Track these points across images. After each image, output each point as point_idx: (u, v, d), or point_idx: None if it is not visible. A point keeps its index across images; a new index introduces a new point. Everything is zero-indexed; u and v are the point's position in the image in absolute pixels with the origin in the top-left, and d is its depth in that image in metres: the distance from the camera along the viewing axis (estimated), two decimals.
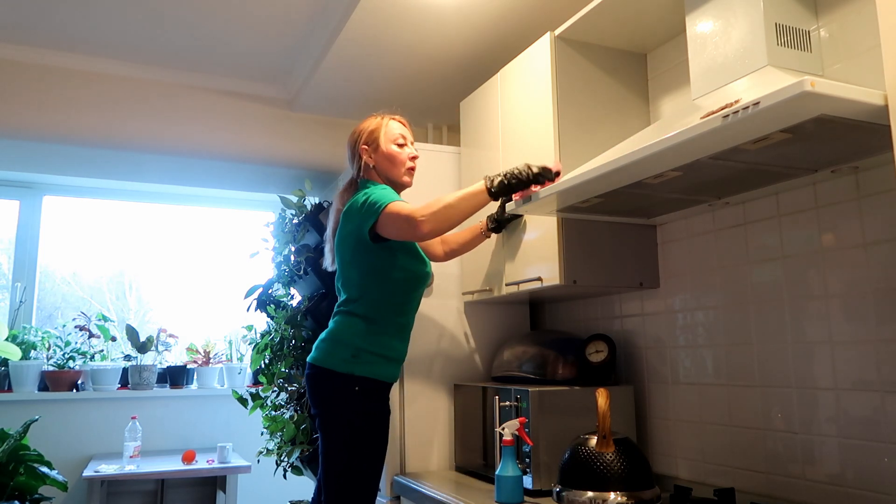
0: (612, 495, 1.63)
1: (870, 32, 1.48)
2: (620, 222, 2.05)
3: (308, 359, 1.88)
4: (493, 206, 2.22)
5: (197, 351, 3.63)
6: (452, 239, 2.21)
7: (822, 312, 1.60)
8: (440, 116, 3.41)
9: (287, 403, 3.04)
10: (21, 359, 3.18)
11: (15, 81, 3.03)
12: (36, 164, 3.24)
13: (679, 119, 1.47)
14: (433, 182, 2.51)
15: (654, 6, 1.91)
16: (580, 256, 1.98)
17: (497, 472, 1.84)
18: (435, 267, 2.37)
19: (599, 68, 2.11)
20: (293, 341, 3.02)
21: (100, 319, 3.49)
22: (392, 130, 1.99)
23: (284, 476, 3.02)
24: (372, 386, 1.81)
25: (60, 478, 2.82)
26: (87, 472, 2.83)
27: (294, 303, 3.25)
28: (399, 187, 1.99)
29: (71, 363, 3.33)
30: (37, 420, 2.92)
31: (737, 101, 1.25)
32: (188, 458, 3.06)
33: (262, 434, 3.21)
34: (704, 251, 1.94)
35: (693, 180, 1.58)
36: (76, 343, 3.40)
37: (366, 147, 1.98)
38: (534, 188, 1.80)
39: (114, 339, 3.51)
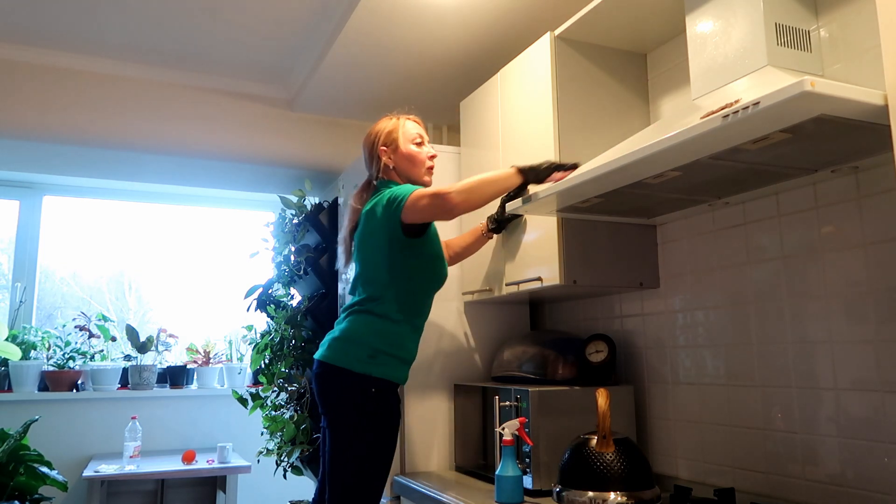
0: (612, 495, 1.63)
1: (870, 32, 1.48)
2: (620, 222, 2.05)
3: (318, 356, 1.85)
4: (492, 207, 2.23)
5: (197, 351, 3.63)
6: (455, 243, 2.21)
7: (822, 312, 1.60)
8: (440, 116, 3.41)
9: (287, 403, 3.04)
10: (21, 359, 3.18)
11: (15, 81, 3.03)
12: (36, 164, 3.24)
13: (679, 119, 1.47)
14: (433, 182, 2.50)
15: (654, 6, 1.91)
16: (580, 256, 1.98)
17: (497, 472, 1.84)
18: None
19: (599, 68, 2.11)
20: (293, 341, 3.02)
21: (100, 319, 3.49)
22: (410, 130, 1.99)
23: (284, 476, 3.02)
24: (387, 387, 1.80)
25: (60, 478, 2.82)
26: (87, 472, 2.83)
27: (294, 303, 3.25)
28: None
29: (71, 363, 3.33)
30: (37, 420, 2.92)
31: (737, 101, 1.25)
32: (188, 458, 3.06)
33: (262, 434, 3.21)
34: (704, 251, 1.94)
35: (693, 180, 1.58)
36: (76, 343, 3.40)
37: (384, 148, 1.97)
38: (558, 175, 1.78)
39: (114, 339, 3.51)
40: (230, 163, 3.54)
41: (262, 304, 3.16)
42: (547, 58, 2.05)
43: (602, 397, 1.71)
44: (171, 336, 3.61)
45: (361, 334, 1.82)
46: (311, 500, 1.98)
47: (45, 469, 2.78)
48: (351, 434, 1.75)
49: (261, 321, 3.38)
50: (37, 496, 2.78)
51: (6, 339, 3.20)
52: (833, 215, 1.59)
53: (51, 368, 3.28)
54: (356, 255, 1.94)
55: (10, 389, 3.21)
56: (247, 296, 3.25)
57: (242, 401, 3.11)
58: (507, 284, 2.20)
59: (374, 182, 1.99)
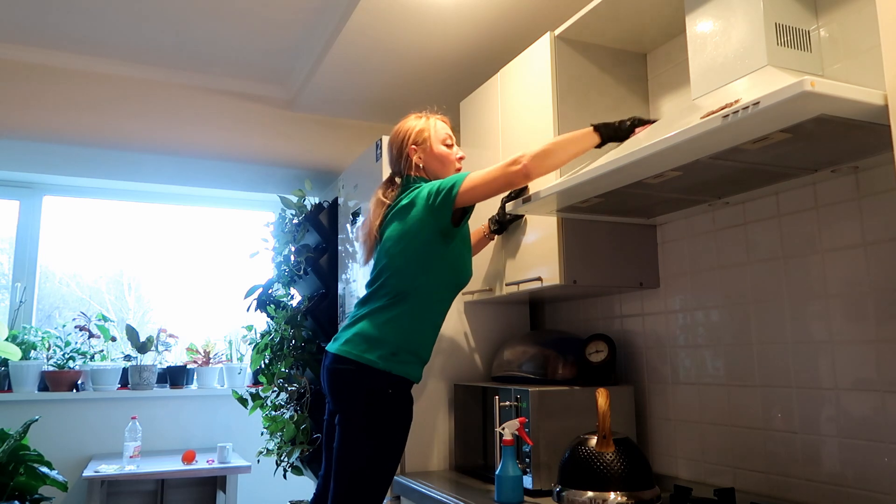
0: (612, 495, 1.63)
1: (870, 32, 1.48)
2: (620, 222, 2.05)
3: (334, 350, 1.80)
4: (493, 208, 2.23)
5: (197, 351, 3.63)
6: None
7: (822, 312, 1.60)
8: None
9: (287, 403, 3.04)
10: (21, 359, 3.18)
11: (15, 81, 3.03)
12: (36, 164, 3.24)
13: (679, 119, 1.47)
14: None
15: (654, 6, 1.91)
16: (580, 256, 1.98)
17: (497, 472, 1.84)
18: None
19: (599, 68, 2.11)
20: (293, 341, 3.02)
21: (100, 319, 3.49)
22: (440, 131, 1.98)
23: (284, 476, 3.02)
24: (405, 385, 1.78)
25: (60, 478, 2.82)
26: (87, 472, 2.83)
27: (294, 303, 3.25)
28: None
29: (71, 363, 3.33)
30: (37, 420, 2.93)
31: (737, 101, 1.25)
32: (188, 458, 3.06)
33: (262, 434, 3.22)
34: (704, 251, 1.94)
35: (693, 180, 1.58)
36: (76, 343, 3.40)
37: (414, 147, 1.95)
38: (639, 131, 1.75)
39: (114, 339, 3.51)
40: (230, 163, 3.55)
41: (262, 304, 3.17)
42: (547, 58, 2.05)
43: (602, 397, 1.71)
44: (171, 336, 3.61)
45: (384, 331, 1.78)
46: (310, 499, 1.97)
47: (45, 469, 2.78)
48: (363, 430, 1.72)
49: (261, 321, 3.38)
50: (37, 496, 2.78)
51: (6, 339, 3.20)
52: (833, 215, 1.59)
53: (51, 368, 3.28)
54: (383, 248, 1.89)
55: (10, 389, 3.21)
56: (247, 296, 3.25)
57: (242, 401, 3.12)
58: (507, 284, 2.20)
59: (400, 179, 1.97)
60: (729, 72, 1.55)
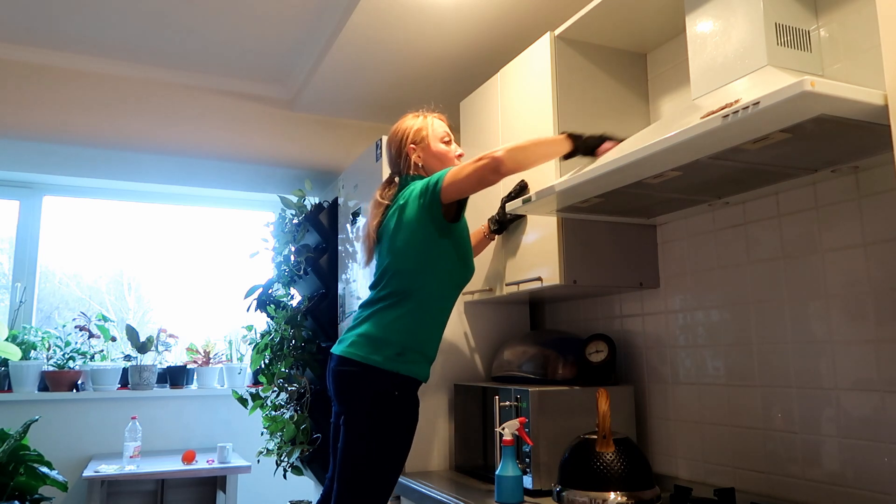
0: (612, 495, 1.63)
1: (870, 32, 1.48)
2: (620, 222, 2.05)
3: (338, 352, 1.80)
4: (493, 208, 2.23)
5: (197, 351, 3.63)
6: None
7: (822, 312, 1.60)
8: None
9: (287, 403, 3.04)
10: (21, 359, 3.18)
11: (15, 81, 3.03)
12: (36, 164, 3.24)
13: (679, 119, 1.47)
14: None
15: (654, 6, 1.91)
16: (580, 256, 1.98)
17: (497, 472, 1.84)
18: None
19: (599, 68, 2.11)
20: (293, 341, 3.02)
21: (100, 319, 3.49)
22: (438, 129, 1.98)
23: (284, 476, 3.02)
24: (412, 385, 1.77)
25: (60, 478, 2.82)
26: (87, 473, 2.83)
27: (294, 303, 3.25)
28: None
29: (71, 363, 3.33)
30: (37, 420, 2.93)
31: (737, 101, 1.25)
32: (188, 458, 3.06)
33: (262, 434, 3.22)
34: (704, 251, 1.94)
35: (693, 180, 1.58)
36: (76, 343, 3.40)
37: (413, 146, 1.95)
38: (608, 146, 1.78)
39: (114, 339, 3.51)
40: (230, 163, 3.55)
41: (262, 304, 3.17)
42: (547, 58, 2.05)
43: (602, 398, 1.71)
44: (171, 336, 3.61)
45: (390, 331, 1.77)
46: (319, 497, 1.95)
47: (45, 469, 2.78)
48: (369, 431, 1.71)
49: (261, 321, 3.38)
50: (37, 496, 2.78)
51: (6, 339, 3.20)
52: (833, 215, 1.59)
53: (51, 368, 3.28)
54: (384, 248, 1.89)
55: (10, 389, 3.21)
56: (247, 296, 3.25)
57: (242, 401, 3.12)
58: (507, 284, 2.20)
59: (398, 179, 1.98)
60: (729, 72, 1.55)
